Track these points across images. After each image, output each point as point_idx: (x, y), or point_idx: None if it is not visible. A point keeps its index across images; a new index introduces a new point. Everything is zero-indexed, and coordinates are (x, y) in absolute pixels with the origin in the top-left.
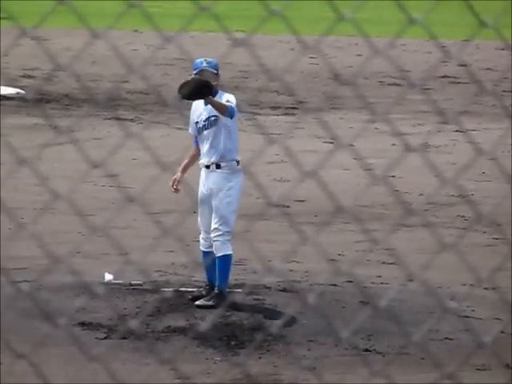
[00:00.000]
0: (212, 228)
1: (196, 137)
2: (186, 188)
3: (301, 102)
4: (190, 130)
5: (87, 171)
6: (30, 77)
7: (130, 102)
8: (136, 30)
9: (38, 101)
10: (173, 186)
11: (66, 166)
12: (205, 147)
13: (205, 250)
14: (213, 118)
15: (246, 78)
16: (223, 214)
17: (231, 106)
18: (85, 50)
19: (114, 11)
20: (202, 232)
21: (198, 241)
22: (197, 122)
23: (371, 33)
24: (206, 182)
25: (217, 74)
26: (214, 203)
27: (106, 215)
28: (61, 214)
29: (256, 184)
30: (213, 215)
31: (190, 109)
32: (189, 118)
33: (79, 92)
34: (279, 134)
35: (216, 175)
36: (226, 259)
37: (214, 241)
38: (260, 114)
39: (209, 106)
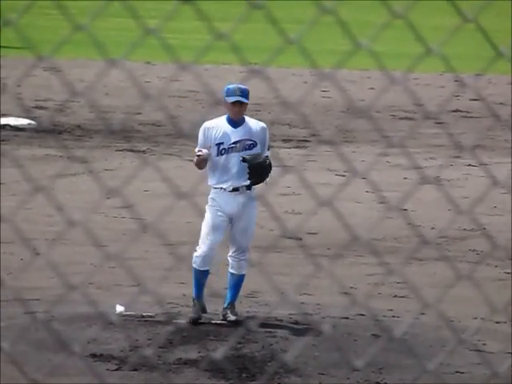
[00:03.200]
0: (241, 247)
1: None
2: (198, 219)
3: (313, 135)
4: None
5: (100, 201)
6: (42, 108)
7: (142, 134)
8: (149, 62)
9: (50, 131)
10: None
11: (79, 196)
12: (234, 170)
13: (202, 268)
14: (249, 143)
15: (259, 110)
16: (252, 234)
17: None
18: (99, 80)
19: (128, 41)
20: (203, 250)
21: (209, 273)
22: (220, 143)
23: (385, 66)
24: (227, 205)
25: (247, 103)
26: (240, 224)
27: (118, 246)
28: (73, 245)
29: (272, 215)
30: (239, 236)
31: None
32: (199, 138)
33: (91, 123)
34: (291, 167)
35: (246, 196)
36: (244, 277)
37: (242, 259)
38: (272, 147)
39: (239, 129)
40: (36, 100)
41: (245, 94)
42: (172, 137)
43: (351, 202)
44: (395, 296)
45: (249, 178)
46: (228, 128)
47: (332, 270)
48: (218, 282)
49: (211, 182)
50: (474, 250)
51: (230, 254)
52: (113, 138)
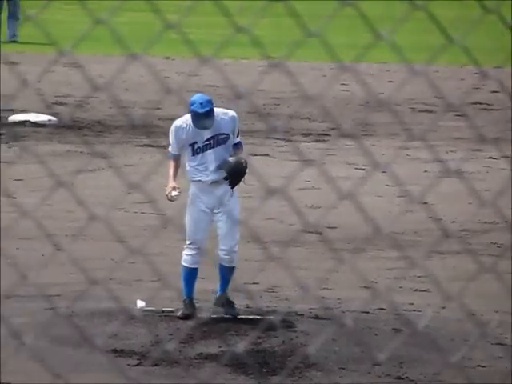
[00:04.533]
0: (230, 240)
1: (177, 155)
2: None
3: (333, 129)
4: (175, 150)
5: (121, 197)
6: (62, 103)
7: (162, 129)
8: (168, 57)
9: (71, 127)
10: (170, 195)
11: (99, 192)
12: (211, 165)
13: (191, 266)
14: (222, 137)
15: (278, 104)
16: (237, 224)
17: (241, 145)
18: (119, 76)
19: (147, 36)
20: (191, 249)
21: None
22: (194, 143)
23: (405, 58)
24: (209, 197)
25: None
26: (225, 216)
27: (138, 241)
28: (94, 241)
29: (292, 210)
30: (225, 228)
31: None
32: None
33: (111, 118)
34: (311, 161)
35: (225, 187)
36: (234, 269)
37: (233, 252)
38: (291, 141)
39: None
40: (56, 96)
41: (206, 109)
42: None
43: (371, 195)
44: (416, 290)
45: (229, 184)
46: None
47: (353, 264)
48: (240, 278)
49: (189, 175)
50: (495, 243)
51: (219, 248)
52: (133, 133)
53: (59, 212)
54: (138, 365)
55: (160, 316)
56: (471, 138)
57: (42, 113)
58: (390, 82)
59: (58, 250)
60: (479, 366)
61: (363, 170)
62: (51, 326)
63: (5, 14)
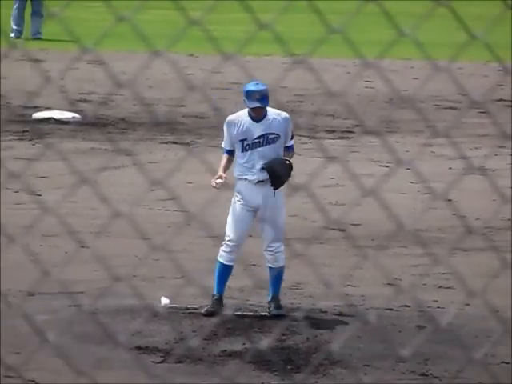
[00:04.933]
0: (274, 240)
1: (231, 151)
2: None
3: (357, 126)
4: (227, 146)
5: (145, 194)
6: (86, 101)
7: (186, 126)
8: (191, 55)
9: (95, 125)
10: (216, 182)
11: (123, 189)
12: (259, 163)
13: (226, 263)
14: (272, 136)
15: (302, 101)
16: (282, 224)
17: (293, 150)
18: (142, 73)
19: (171, 34)
20: (229, 246)
21: (253, 264)
22: (244, 139)
23: (429, 55)
24: (252, 197)
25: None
26: (269, 215)
27: (162, 238)
28: (117, 238)
29: (316, 207)
30: (269, 228)
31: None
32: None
33: (135, 116)
34: (335, 158)
35: (271, 187)
36: (283, 269)
37: (277, 252)
38: (315, 138)
39: (262, 123)
40: (80, 93)
41: (264, 97)
42: (216, 129)
43: (395, 192)
44: (440, 287)
45: (272, 185)
46: (250, 123)
47: (376, 261)
48: (263, 274)
49: (236, 172)
50: None
51: (264, 248)
52: (157, 130)
53: (83, 209)
54: (161, 362)
55: (184, 313)
56: (495, 135)
57: (66, 110)
58: (415, 78)
59: (82, 246)
60: (503, 362)
61: (387, 167)
62: (75, 323)
63: (28, 12)
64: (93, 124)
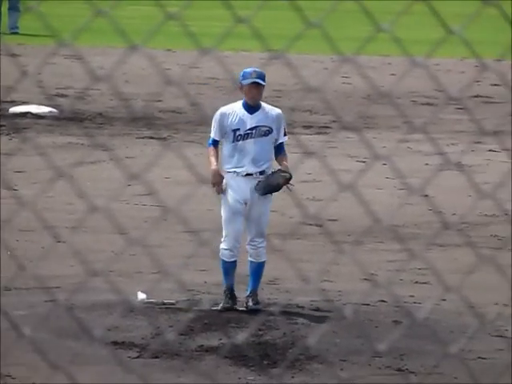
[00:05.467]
0: (257, 235)
1: (217, 141)
2: (220, 206)
3: (334, 121)
4: (217, 136)
5: (122, 188)
6: (63, 95)
7: (163, 121)
8: (169, 50)
9: (72, 119)
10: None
11: (100, 184)
12: (249, 156)
13: (229, 260)
14: (264, 129)
15: (280, 97)
16: (266, 220)
17: (285, 152)
18: (119, 67)
19: (149, 29)
20: (229, 242)
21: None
22: (237, 130)
23: (406, 50)
24: (241, 190)
25: (264, 86)
26: (255, 210)
27: (139, 233)
28: (94, 233)
29: (293, 202)
30: (254, 223)
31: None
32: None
33: (113, 110)
34: (312, 153)
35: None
36: (264, 264)
37: (260, 247)
38: (293, 133)
39: (255, 115)
40: (57, 88)
41: (261, 76)
42: (193, 124)
43: (372, 188)
44: (416, 282)
45: (258, 188)
46: (244, 114)
47: (353, 256)
48: (240, 269)
49: (225, 166)
50: (495, 236)
51: (247, 242)
52: (134, 125)
53: (60, 204)
54: (138, 357)
55: (160, 308)
56: (472, 131)
57: (43, 104)
58: (392, 74)
59: (58, 241)
60: (480, 357)
61: (364, 162)
62: (51, 318)
63: (5, 6)
64: (70, 119)
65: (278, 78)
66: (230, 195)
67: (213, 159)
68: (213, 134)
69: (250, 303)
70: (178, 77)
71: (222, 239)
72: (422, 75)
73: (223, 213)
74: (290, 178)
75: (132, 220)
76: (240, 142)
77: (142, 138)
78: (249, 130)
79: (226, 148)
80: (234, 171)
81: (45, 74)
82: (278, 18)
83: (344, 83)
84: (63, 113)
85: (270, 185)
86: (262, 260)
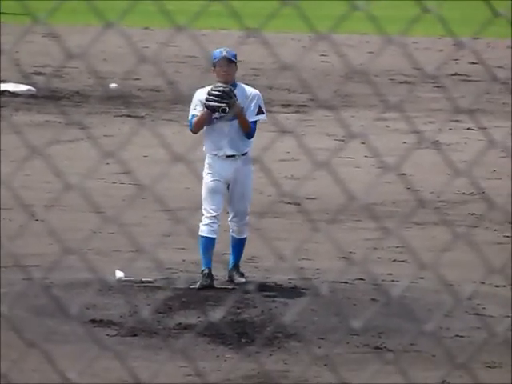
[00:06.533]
0: (240, 212)
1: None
2: (196, 184)
3: (312, 100)
4: (197, 111)
5: (99, 167)
6: (40, 74)
7: (141, 100)
8: (147, 28)
9: (49, 98)
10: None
11: (77, 163)
12: (227, 137)
13: (208, 235)
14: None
15: (257, 75)
16: (249, 198)
17: (254, 129)
18: (96, 44)
19: (125, 7)
20: (208, 218)
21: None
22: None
23: (383, 29)
24: (223, 171)
25: (236, 64)
26: (237, 190)
27: (116, 212)
28: (71, 211)
29: (271, 181)
30: (237, 201)
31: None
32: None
33: (90, 89)
34: (290, 132)
35: (241, 161)
36: (245, 240)
37: (244, 224)
38: (271, 112)
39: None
40: (34, 66)
41: (231, 54)
42: (171, 102)
43: (350, 166)
44: (394, 260)
45: (206, 100)
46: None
47: (331, 234)
48: (218, 247)
49: (206, 148)
50: (473, 214)
51: (229, 219)
52: (111, 103)
53: (37, 182)
54: (116, 335)
55: (138, 286)
56: (449, 110)
57: (21, 83)
58: (370, 52)
59: (36, 220)
60: (457, 335)
61: (342, 141)
62: (28, 296)
63: None
64: (47, 97)
65: (255, 57)
66: (211, 174)
67: (199, 115)
68: (192, 112)
69: (236, 277)
70: (155, 55)
71: (202, 217)
72: (400, 53)
73: (203, 191)
74: (233, 92)
75: (109, 198)
76: (217, 125)
77: (120, 116)
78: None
79: (204, 131)
80: (215, 154)
81: (22, 53)
82: None
83: (322, 62)
84: (40, 91)
85: (217, 95)
86: (244, 236)
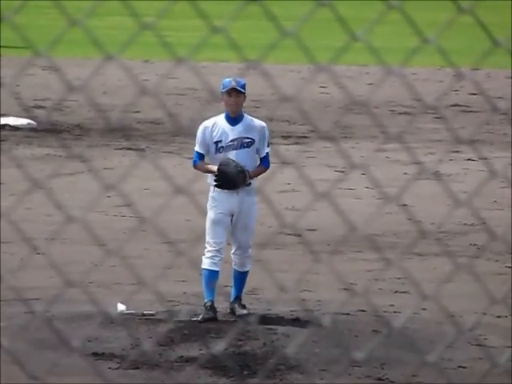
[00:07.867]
0: (243, 245)
1: (203, 155)
2: (197, 217)
3: (312, 131)
4: (201, 150)
5: (100, 199)
6: (40, 107)
7: (141, 132)
8: (147, 61)
9: (50, 131)
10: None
11: (78, 195)
12: None
13: (211, 268)
14: (247, 140)
15: (258, 107)
16: (252, 230)
17: (268, 162)
18: (97, 77)
19: (125, 40)
20: (211, 252)
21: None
22: (219, 141)
23: (383, 59)
24: (228, 203)
25: (244, 95)
26: (240, 220)
27: (117, 244)
28: (72, 244)
29: (272, 212)
30: (240, 233)
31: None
32: (197, 137)
33: (90, 122)
34: (291, 163)
35: (245, 193)
36: (248, 273)
37: (246, 257)
38: (271, 143)
39: (237, 126)
40: (35, 99)
41: (240, 84)
42: (171, 134)
43: (350, 197)
44: (396, 291)
45: (215, 180)
46: (226, 126)
47: (332, 265)
48: (219, 279)
49: (210, 180)
50: (474, 245)
51: (232, 251)
52: (112, 136)
53: (38, 215)
54: (118, 368)
55: (140, 319)
56: (449, 140)
57: (21, 116)
58: (369, 84)
59: (37, 253)
60: (460, 367)
61: (343, 172)
62: (30, 329)
63: None
64: (48, 130)
65: (255, 88)
66: (215, 207)
67: (208, 166)
68: (197, 147)
69: (238, 309)
70: (155, 87)
71: (205, 250)
72: (400, 84)
73: (207, 224)
74: (243, 171)
75: (110, 231)
76: (222, 154)
77: (120, 149)
78: (230, 141)
79: (209, 161)
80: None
81: (23, 86)
82: (253, 27)
83: (322, 93)
84: (41, 124)
85: (226, 177)
86: (247, 269)
